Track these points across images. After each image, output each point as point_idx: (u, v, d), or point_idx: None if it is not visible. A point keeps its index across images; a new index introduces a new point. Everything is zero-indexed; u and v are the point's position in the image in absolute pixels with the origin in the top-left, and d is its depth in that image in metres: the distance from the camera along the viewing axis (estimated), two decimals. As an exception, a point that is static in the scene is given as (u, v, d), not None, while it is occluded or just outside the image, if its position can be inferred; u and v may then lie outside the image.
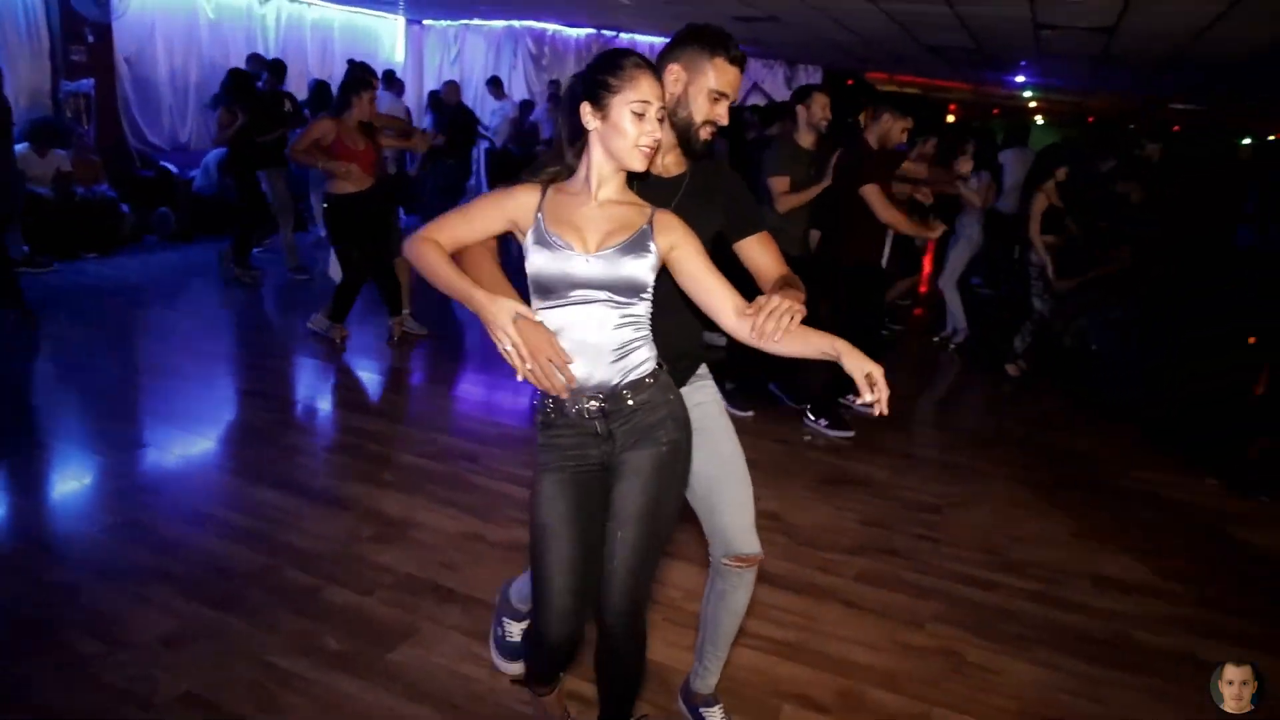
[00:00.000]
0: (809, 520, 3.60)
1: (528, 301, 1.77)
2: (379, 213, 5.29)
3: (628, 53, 1.75)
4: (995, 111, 17.69)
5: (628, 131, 1.70)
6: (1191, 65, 8.81)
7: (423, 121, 9.88)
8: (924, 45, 9.76)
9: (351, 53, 10.86)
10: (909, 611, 2.99)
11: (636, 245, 1.74)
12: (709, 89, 1.93)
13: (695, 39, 1.94)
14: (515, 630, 2.41)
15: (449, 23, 11.64)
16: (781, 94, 14.25)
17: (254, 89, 7.01)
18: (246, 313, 6.51)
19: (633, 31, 11.74)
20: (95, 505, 3.27)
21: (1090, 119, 16.87)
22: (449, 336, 5.94)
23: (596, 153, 1.76)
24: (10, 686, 2.27)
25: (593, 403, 1.79)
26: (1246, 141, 17.88)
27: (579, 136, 1.78)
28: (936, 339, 6.78)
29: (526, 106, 10.54)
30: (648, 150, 1.73)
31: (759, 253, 2.07)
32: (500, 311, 1.70)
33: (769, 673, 2.58)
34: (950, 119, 17.45)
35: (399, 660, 2.49)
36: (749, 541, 2.09)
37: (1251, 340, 5.77)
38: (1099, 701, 2.59)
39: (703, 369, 2.18)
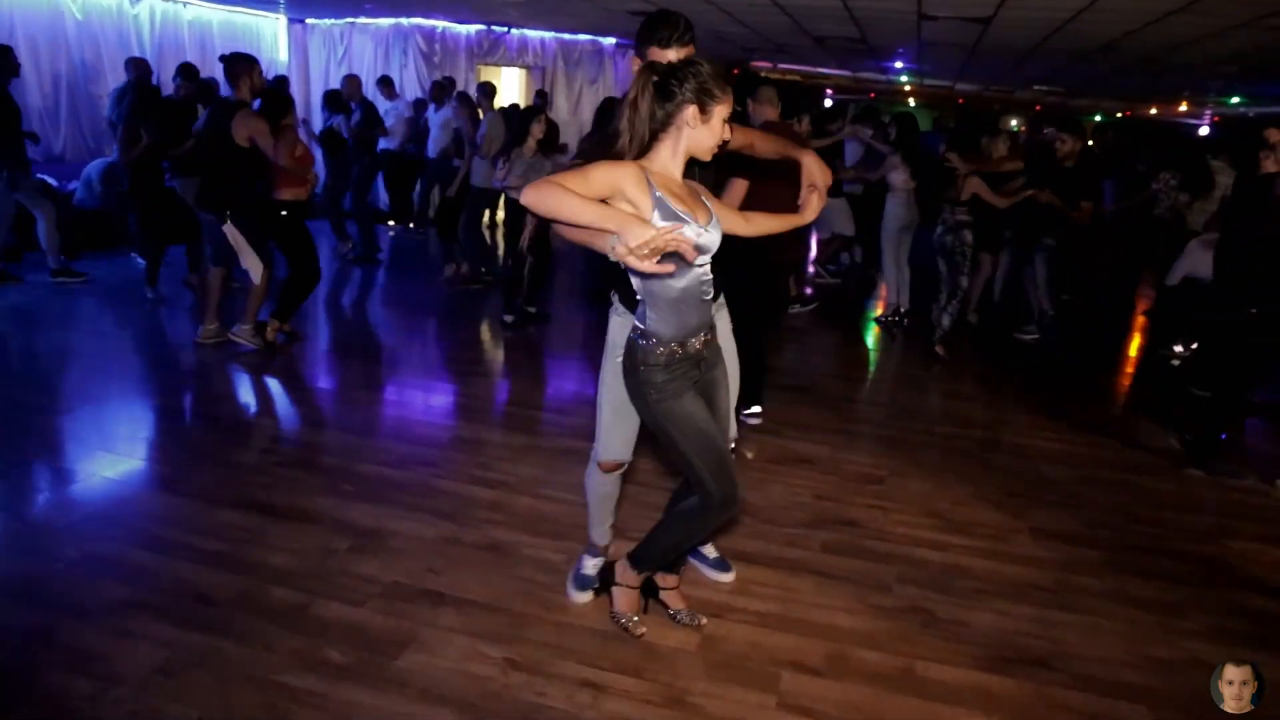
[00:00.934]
0: (765, 499, 3.77)
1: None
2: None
3: (724, 70, 2.19)
4: (871, 95, 18.48)
5: (719, 134, 2.21)
6: (1050, 55, 9.50)
7: (317, 122, 9.57)
8: (811, 36, 10.14)
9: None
10: (875, 576, 3.19)
11: (713, 215, 2.26)
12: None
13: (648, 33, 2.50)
14: (590, 565, 2.92)
15: (333, 21, 11.30)
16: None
17: (159, 102, 6.61)
18: (155, 329, 6.21)
19: (522, 27, 11.70)
20: (50, 541, 3.11)
21: (960, 100, 17.86)
22: (381, 345, 5.85)
23: (683, 145, 2.21)
24: (5, 734, 2.18)
25: (700, 338, 2.35)
26: (1097, 118, 19.32)
27: (663, 130, 2.20)
28: (889, 318, 7.11)
29: (420, 105, 10.35)
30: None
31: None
32: (642, 225, 2.02)
33: (761, 643, 2.73)
34: (827, 103, 18.15)
35: (406, 667, 2.51)
36: (734, 430, 2.75)
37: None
38: (1054, 641, 2.85)
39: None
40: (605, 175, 2.09)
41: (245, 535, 3.19)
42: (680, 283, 2.24)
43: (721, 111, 2.17)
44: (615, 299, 2.58)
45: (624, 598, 2.77)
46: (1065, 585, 3.22)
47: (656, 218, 2.09)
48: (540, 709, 2.38)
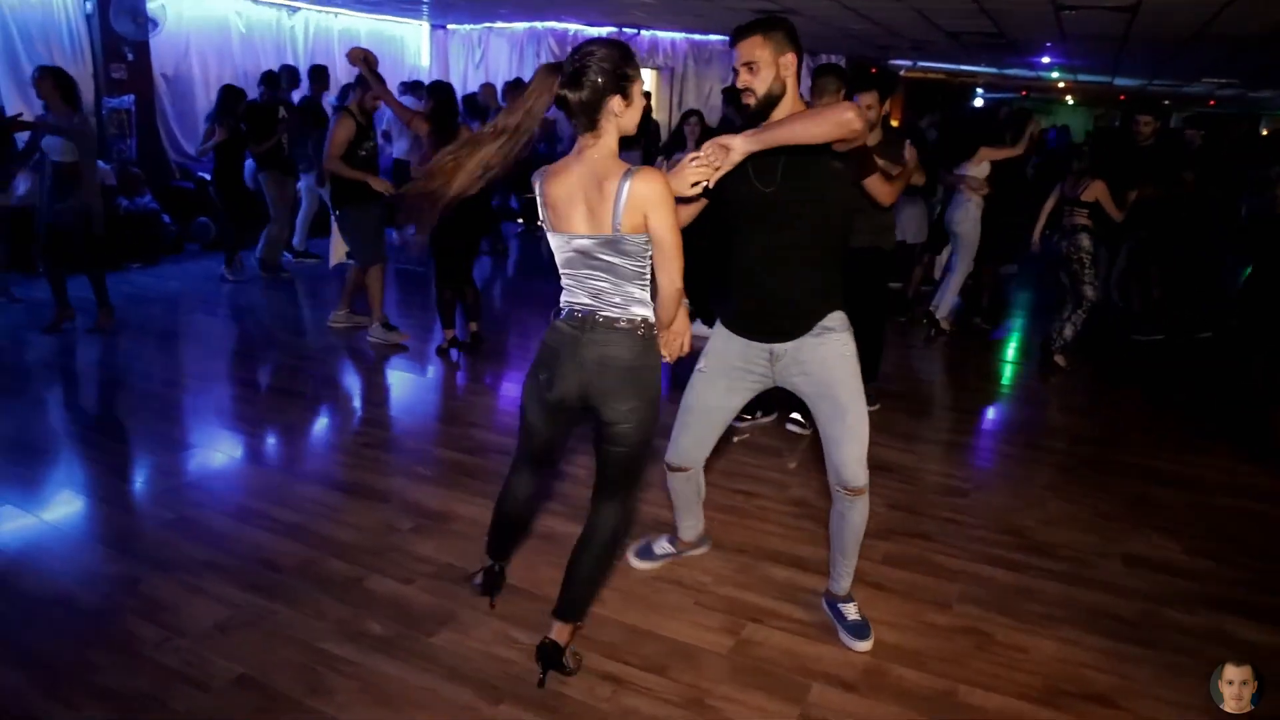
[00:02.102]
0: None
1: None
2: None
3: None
4: (1024, 93, 17.51)
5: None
6: (1212, 43, 8.68)
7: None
8: (944, 31, 9.71)
9: (379, 59, 11.10)
10: (935, 592, 3.04)
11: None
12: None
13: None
14: (661, 546, 3.08)
15: (472, 26, 11.79)
16: (805, 85, 14.25)
17: (239, 103, 7.13)
18: (282, 315, 6.69)
19: (653, 28, 11.82)
20: (149, 502, 3.43)
21: (1122, 96, 16.61)
22: (491, 339, 6.05)
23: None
24: (75, 669, 2.42)
25: None
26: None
27: None
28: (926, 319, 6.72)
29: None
30: None
31: None
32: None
33: (797, 653, 2.65)
34: (977, 102, 17.26)
35: (438, 644, 2.60)
36: (857, 475, 2.58)
37: None
38: (1123, 677, 2.62)
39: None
40: None
41: (319, 509, 3.40)
42: None
43: (640, 88, 2.18)
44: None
45: None
46: (1150, 618, 2.96)
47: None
48: (558, 697, 2.41)
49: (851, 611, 2.75)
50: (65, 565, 2.96)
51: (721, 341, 2.62)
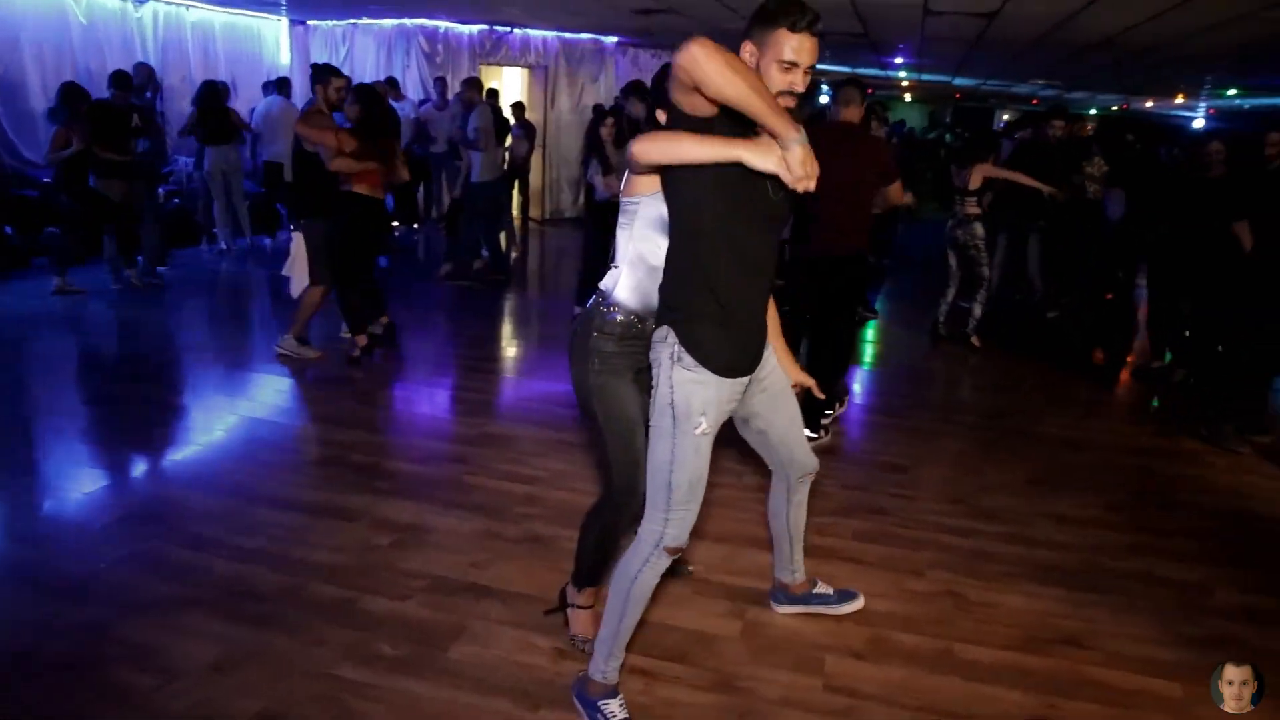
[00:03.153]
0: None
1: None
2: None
3: None
4: (870, 91, 18.52)
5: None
6: (1051, 49, 9.55)
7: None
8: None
9: (235, 56, 10.49)
10: (908, 562, 3.25)
11: None
12: (778, 60, 1.99)
13: (762, 14, 2.02)
14: (616, 709, 2.31)
15: (336, 22, 11.30)
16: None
17: (82, 103, 6.57)
18: (162, 329, 6.24)
19: (526, 27, 11.72)
20: (96, 541, 3.15)
21: (958, 95, 17.93)
22: (401, 346, 5.87)
23: None
24: (73, 727, 2.22)
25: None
26: (1092, 111, 19.39)
27: None
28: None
29: (422, 105, 10.39)
30: None
31: None
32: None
33: (802, 630, 2.79)
34: (822, 99, 18.15)
35: (458, 658, 2.56)
36: (814, 460, 2.68)
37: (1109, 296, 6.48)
38: (1085, 620, 2.91)
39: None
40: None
41: (285, 533, 3.24)
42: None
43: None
44: (675, 345, 2.11)
45: (579, 620, 2.65)
46: (1091, 567, 3.29)
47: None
48: (592, 695, 2.42)
49: (822, 585, 2.89)
50: (11, 623, 2.69)
51: (713, 391, 2.13)
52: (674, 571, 2.80)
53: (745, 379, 2.24)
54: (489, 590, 2.91)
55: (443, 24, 11.30)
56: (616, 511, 2.43)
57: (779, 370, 2.47)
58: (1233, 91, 13.91)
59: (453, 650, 2.59)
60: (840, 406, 4.68)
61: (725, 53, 1.81)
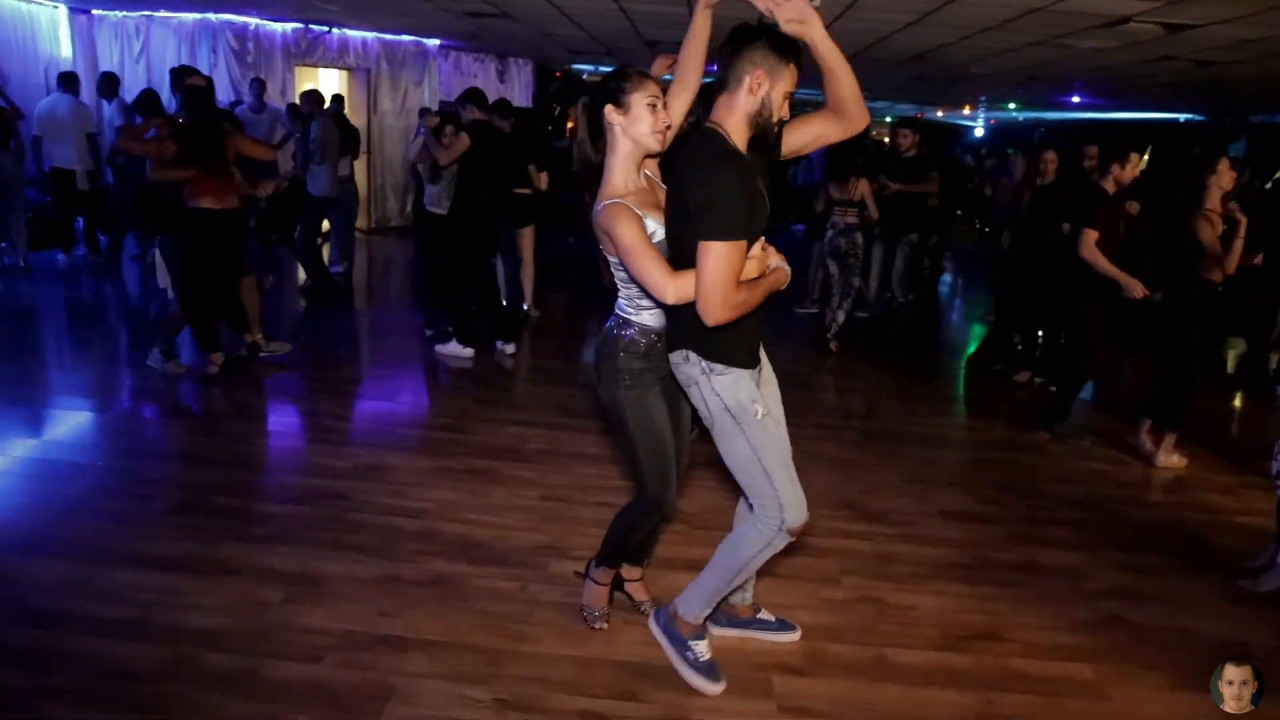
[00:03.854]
0: (693, 505, 3.79)
1: None
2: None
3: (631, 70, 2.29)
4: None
5: (647, 119, 2.23)
6: (862, 63, 10.22)
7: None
8: (644, 40, 10.31)
9: (6, 45, 9.20)
10: (819, 571, 3.30)
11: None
12: (787, 92, 2.19)
13: (778, 49, 2.15)
14: (704, 650, 2.54)
15: (127, 14, 10.19)
16: (495, 89, 14.23)
17: None
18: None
19: (344, 27, 11.10)
20: (-94, 629, 2.60)
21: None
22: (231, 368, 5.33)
23: (623, 147, 2.27)
24: None
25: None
26: (888, 120, 20.94)
27: (606, 146, 2.30)
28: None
29: (234, 106, 9.56)
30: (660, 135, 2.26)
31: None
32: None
33: (740, 649, 2.75)
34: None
35: (390, 722, 2.32)
36: None
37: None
38: (992, 615, 3.07)
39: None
40: (637, 237, 2.18)
41: (154, 596, 2.82)
42: None
43: (640, 96, 2.23)
44: (700, 363, 2.28)
45: (592, 592, 2.83)
46: (983, 561, 3.48)
47: (652, 228, 2.25)
48: (551, 746, 2.27)
49: (769, 614, 2.86)
50: None
51: (748, 382, 2.30)
52: (633, 604, 2.89)
53: (754, 370, 2.37)
54: (405, 641, 2.66)
55: (253, 20, 10.48)
56: (648, 513, 2.59)
57: (769, 365, 2.55)
58: (1012, 105, 15.49)
59: (384, 714, 2.34)
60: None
61: (744, 295, 2.12)
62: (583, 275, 8.82)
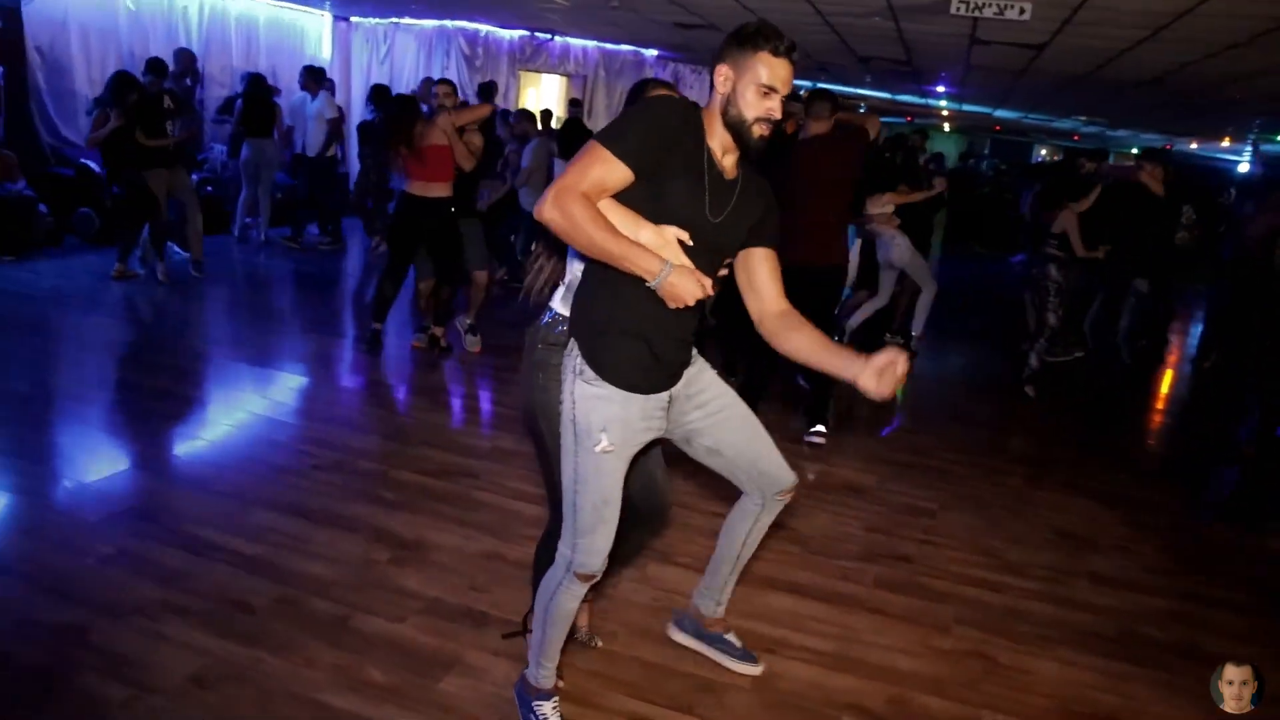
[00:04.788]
0: (814, 529, 3.65)
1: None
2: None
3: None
4: (909, 119, 18.35)
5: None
6: (1096, 84, 9.35)
7: (356, 120, 9.52)
8: (856, 56, 10.03)
9: (277, 48, 10.49)
10: (932, 615, 3.06)
11: None
12: (757, 84, 1.94)
13: (739, 37, 1.98)
14: (549, 711, 2.28)
15: (378, 21, 11.30)
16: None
17: (131, 92, 6.43)
18: (189, 318, 6.17)
19: (566, 35, 11.67)
20: (87, 535, 3.03)
21: (997, 128, 17.69)
22: (419, 351, 5.75)
23: None
24: (38, 741, 2.09)
25: None
26: (1134, 150, 19.10)
27: None
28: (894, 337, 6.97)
29: (460, 107, 10.32)
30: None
31: (768, 265, 2.19)
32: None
33: (820, 684, 2.61)
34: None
35: (450, 691, 2.41)
36: (790, 471, 2.39)
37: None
38: (1123, 696, 2.71)
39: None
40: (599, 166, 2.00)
41: (283, 540, 3.11)
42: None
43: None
44: (578, 358, 2.04)
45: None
46: (1130, 635, 3.08)
47: None
48: (590, 742, 2.27)
49: (735, 638, 2.65)
50: (-5, 613, 2.58)
51: (618, 408, 2.02)
52: (579, 639, 2.65)
53: (660, 396, 2.11)
54: (487, 617, 2.75)
55: (484, 27, 11.27)
56: (549, 542, 2.29)
57: (719, 386, 2.28)
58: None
59: (445, 682, 2.44)
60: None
61: (582, 212, 1.83)
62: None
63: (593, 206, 1.85)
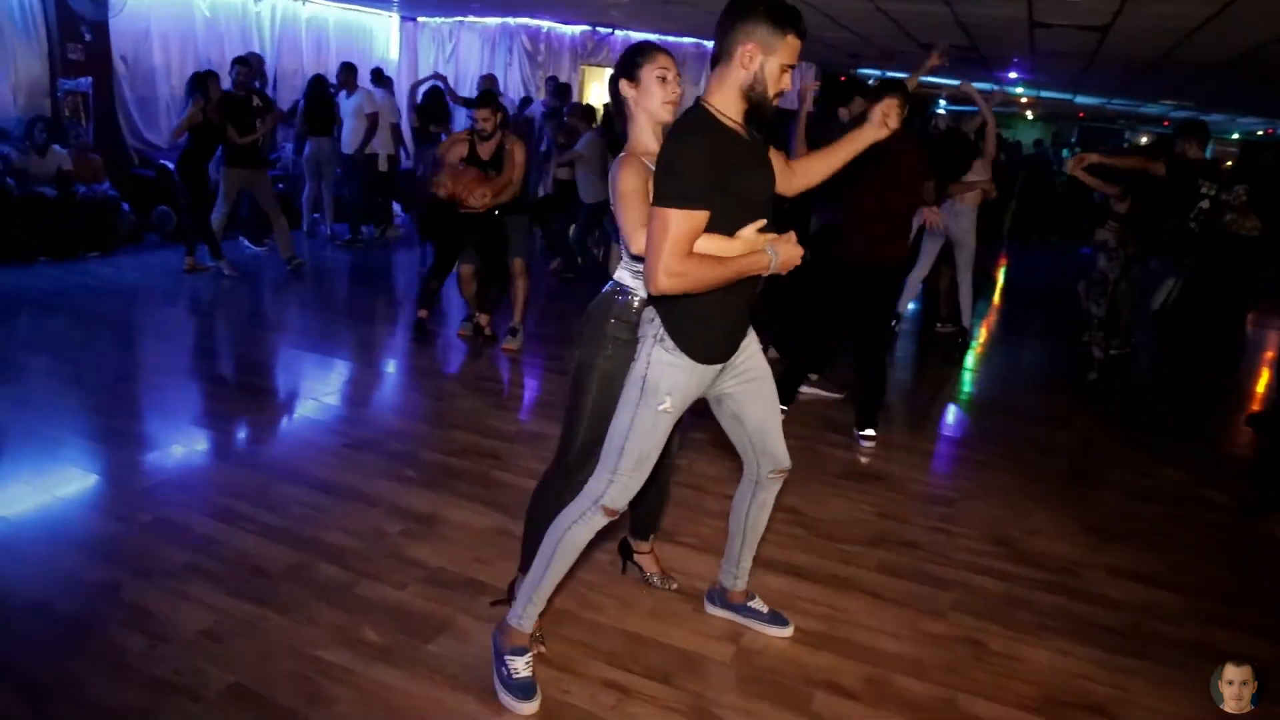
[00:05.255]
0: (826, 514, 3.67)
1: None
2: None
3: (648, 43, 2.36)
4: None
5: (657, 91, 2.28)
6: (1174, 67, 8.95)
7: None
8: (918, 43, 9.84)
9: (347, 50, 10.91)
10: (929, 601, 3.06)
11: None
12: (782, 64, 2.07)
13: (769, 17, 2.05)
14: (524, 665, 2.36)
15: (443, 20, 11.64)
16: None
17: (211, 89, 6.78)
18: (248, 309, 6.53)
19: (627, 28, 11.78)
20: (124, 503, 3.29)
21: (1081, 115, 17.02)
22: (473, 338, 5.96)
23: (641, 117, 2.32)
24: (62, 683, 2.31)
25: None
26: (1235, 136, 18.12)
27: (626, 112, 2.36)
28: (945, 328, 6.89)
29: (525, 103, 10.55)
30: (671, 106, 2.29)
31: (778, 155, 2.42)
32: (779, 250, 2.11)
33: (799, 661, 2.65)
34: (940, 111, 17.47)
35: (438, 652, 2.54)
36: (787, 459, 2.57)
37: None
38: (1118, 688, 2.66)
39: None
40: (634, 186, 2.22)
41: (305, 511, 3.31)
42: None
43: (650, 69, 2.29)
44: (660, 328, 2.20)
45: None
46: (1139, 630, 3.01)
47: None
48: (561, 705, 2.36)
49: (759, 602, 2.81)
50: (40, 571, 2.83)
51: (685, 375, 2.20)
52: (643, 576, 2.97)
53: (720, 365, 2.29)
54: (485, 587, 2.88)
55: (545, 24, 11.48)
56: (562, 480, 2.52)
57: (759, 358, 2.44)
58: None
59: (434, 643, 2.58)
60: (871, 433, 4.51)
61: (693, 267, 2.00)
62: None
63: (693, 259, 2.00)
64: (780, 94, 2.11)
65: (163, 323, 6.05)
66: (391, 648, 2.54)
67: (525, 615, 2.36)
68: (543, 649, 2.55)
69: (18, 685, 2.30)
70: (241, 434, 4.14)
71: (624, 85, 2.33)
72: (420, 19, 11.72)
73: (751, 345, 2.42)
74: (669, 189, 1.99)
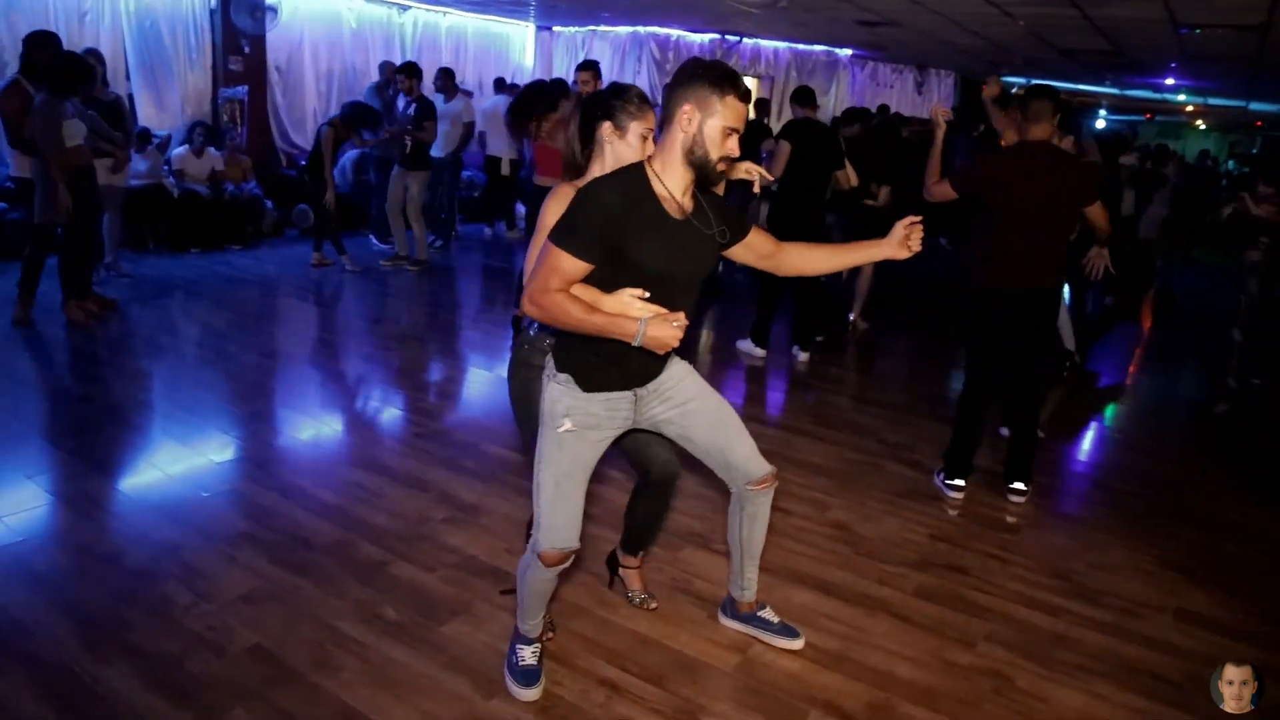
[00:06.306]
0: (875, 532, 3.57)
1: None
2: None
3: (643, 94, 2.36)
4: (1149, 116, 16.60)
5: (638, 149, 2.30)
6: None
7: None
8: (1056, 49, 9.31)
9: (484, 58, 11.42)
10: (961, 629, 2.92)
11: None
12: (723, 127, 2.05)
13: (703, 79, 2.05)
14: (530, 654, 2.46)
15: (576, 29, 11.98)
16: (911, 100, 13.88)
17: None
18: (370, 304, 6.96)
19: (755, 37, 11.75)
20: (207, 475, 3.62)
21: (1259, 123, 15.56)
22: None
23: (608, 160, 2.32)
24: (112, 624, 2.58)
25: None
26: None
27: (593, 147, 2.37)
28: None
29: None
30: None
31: (756, 238, 2.39)
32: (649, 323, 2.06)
33: (803, 678, 2.60)
34: (1099, 123, 16.39)
35: (448, 634, 2.66)
36: (761, 465, 2.48)
37: None
38: (1154, 741, 2.47)
39: None
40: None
41: (361, 493, 3.53)
42: None
43: (638, 127, 2.29)
44: (551, 364, 2.27)
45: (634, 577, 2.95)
46: (1195, 680, 2.75)
47: None
48: (551, 698, 2.42)
49: (769, 612, 2.77)
50: (121, 526, 3.17)
51: (579, 400, 2.21)
52: (624, 591, 2.94)
53: (622, 394, 2.26)
54: (509, 577, 2.97)
55: (675, 32, 11.61)
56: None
57: (689, 381, 2.39)
58: None
59: (447, 626, 2.70)
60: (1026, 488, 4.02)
61: (558, 304, 1.99)
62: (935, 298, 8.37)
63: (564, 297, 1.99)
64: (728, 160, 2.09)
65: (282, 311, 6.56)
66: (406, 626, 2.68)
67: (525, 627, 2.46)
68: (551, 635, 2.63)
69: (76, 620, 2.60)
70: (326, 418, 4.44)
71: (607, 128, 2.30)
72: (555, 28, 12.11)
73: (673, 370, 2.36)
74: (565, 230, 2.00)
